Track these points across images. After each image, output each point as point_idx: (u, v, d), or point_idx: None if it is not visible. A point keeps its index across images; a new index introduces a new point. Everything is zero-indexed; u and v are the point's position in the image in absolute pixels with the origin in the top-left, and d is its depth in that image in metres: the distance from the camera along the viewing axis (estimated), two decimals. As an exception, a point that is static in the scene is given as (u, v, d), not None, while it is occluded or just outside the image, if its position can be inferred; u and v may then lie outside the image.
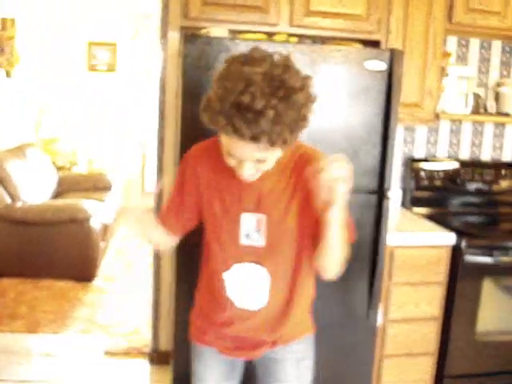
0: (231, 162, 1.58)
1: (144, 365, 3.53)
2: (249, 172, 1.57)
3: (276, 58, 1.48)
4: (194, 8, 2.75)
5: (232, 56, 1.51)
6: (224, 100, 1.41)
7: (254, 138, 1.42)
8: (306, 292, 1.89)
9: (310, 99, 1.50)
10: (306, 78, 1.49)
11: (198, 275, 2.38)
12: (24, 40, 5.96)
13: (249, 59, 1.46)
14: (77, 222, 4.75)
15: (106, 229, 5.27)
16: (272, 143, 1.44)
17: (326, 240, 1.59)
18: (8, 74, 5.62)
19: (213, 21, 2.79)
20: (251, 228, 1.71)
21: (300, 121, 1.48)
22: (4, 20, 5.40)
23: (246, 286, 1.76)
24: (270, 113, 1.39)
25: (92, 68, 7.15)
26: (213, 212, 1.75)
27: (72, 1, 6.73)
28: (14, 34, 5.65)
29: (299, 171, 1.67)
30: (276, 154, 1.56)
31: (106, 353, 3.66)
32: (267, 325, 1.83)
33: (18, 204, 4.77)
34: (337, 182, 1.44)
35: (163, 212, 1.90)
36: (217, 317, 1.85)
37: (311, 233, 1.70)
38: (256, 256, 1.73)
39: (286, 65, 1.47)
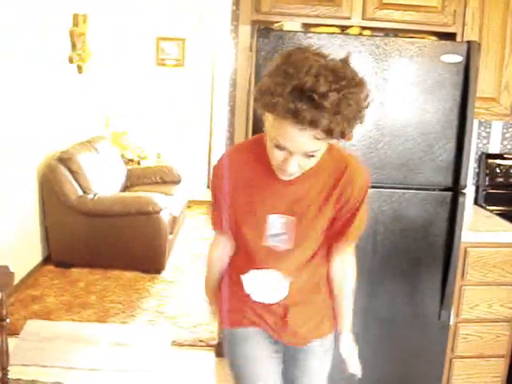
0: (278, 157, 1.54)
1: (210, 357, 3.56)
2: (294, 168, 1.54)
3: (332, 56, 1.49)
4: (265, 2, 2.75)
5: (287, 50, 1.50)
6: (286, 84, 1.40)
7: (313, 123, 1.39)
8: (323, 274, 1.90)
9: (367, 96, 1.50)
10: (363, 78, 1.50)
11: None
12: (95, 36, 6.10)
13: (308, 51, 1.48)
14: (146, 215, 4.83)
15: (174, 221, 5.34)
16: (330, 131, 1.42)
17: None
18: (80, 70, 5.76)
19: (284, 14, 2.78)
20: (277, 230, 1.71)
21: (358, 115, 1.47)
22: (76, 16, 5.53)
23: (263, 289, 1.80)
24: (332, 98, 1.37)
25: (161, 63, 7.27)
26: (240, 211, 1.76)
27: (142, -4, 6.86)
28: (86, 29, 5.78)
29: (343, 182, 1.69)
30: (323, 148, 1.54)
31: (173, 343, 3.71)
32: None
33: (90, 196, 4.89)
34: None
35: (220, 221, 1.86)
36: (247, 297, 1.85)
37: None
38: (278, 258, 1.76)
39: (346, 61, 1.48)
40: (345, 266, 1.91)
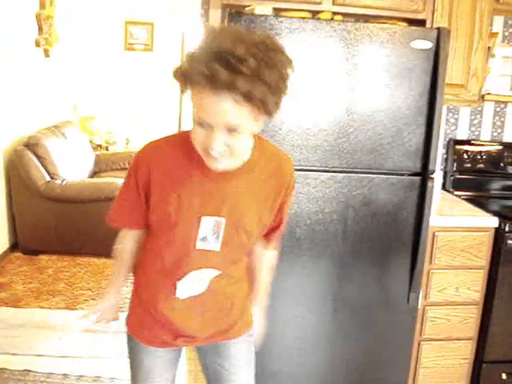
0: (200, 136, 1.43)
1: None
2: (218, 144, 1.41)
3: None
4: (236, -15, 2.73)
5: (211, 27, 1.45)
6: (203, 50, 1.34)
7: (230, 85, 1.31)
8: (246, 267, 1.83)
9: (290, 64, 1.42)
10: (284, 48, 1.42)
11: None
12: (62, 19, 5.99)
13: (235, 28, 1.46)
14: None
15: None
16: (249, 96, 1.33)
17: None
18: (46, 54, 5.66)
19: (255, -2, 2.76)
20: (209, 232, 1.60)
21: (280, 84, 1.39)
22: (43, -2, 5.43)
23: (195, 286, 1.68)
24: (252, 61, 1.31)
25: (129, 47, 7.18)
26: (166, 214, 1.59)
27: (110, -20, 6.76)
28: (53, 12, 5.68)
29: (277, 177, 1.65)
30: (247, 126, 1.43)
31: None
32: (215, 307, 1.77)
33: (58, 182, 4.82)
34: None
35: (121, 216, 1.76)
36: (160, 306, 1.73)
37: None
38: (209, 261, 1.65)
39: (268, 35, 1.41)
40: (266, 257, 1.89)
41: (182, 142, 1.58)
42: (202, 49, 1.36)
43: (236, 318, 1.81)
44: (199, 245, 1.60)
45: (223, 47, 1.31)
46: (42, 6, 5.42)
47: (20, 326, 3.67)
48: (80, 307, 3.98)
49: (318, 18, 2.71)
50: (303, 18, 2.43)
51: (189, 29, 6.62)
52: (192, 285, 1.67)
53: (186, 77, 1.37)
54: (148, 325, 1.78)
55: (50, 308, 3.95)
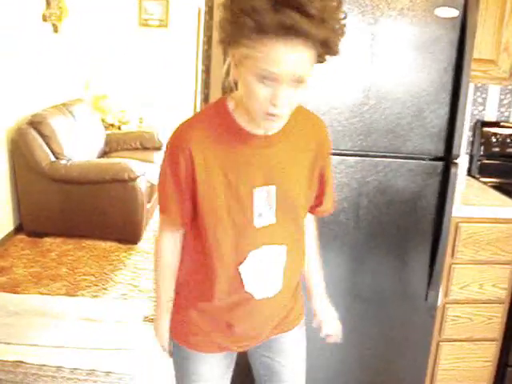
0: (264, 95, 1.32)
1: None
2: (286, 101, 1.32)
3: None
4: None
5: None
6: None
7: (308, 35, 1.24)
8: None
9: (343, 9, 1.34)
10: None
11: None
12: (73, -6, 5.80)
13: None
14: (122, 182, 4.60)
15: (152, 190, 5.10)
16: (321, 42, 1.27)
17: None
18: (55, 29, 5.46)
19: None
20: (263, 204, 1.49)
21: (341, 24, 1.33)
22: (51, -30, 5.22)
23: (265, 273, 1.54)
24: (319, 4, 1.23)
25: (144, 23, 6.97)
26: (216, 195, 1.47)
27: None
28: (63, -15, 5.48)
29: (314, 139, 1.58)
30: (309, 75, 1.34)
31: (145, 319, 3.52)
32: (278, 313, 1.67)
33: (63, 162, 4.64)
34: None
35: (174, 208, 1.56)
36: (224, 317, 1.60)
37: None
38: (270, 236, 1.52)
39: None
40: (312, 236, 1.78)
41: (214, 116, 1.48)
42: None
43: (289, 309, 1.71)
44: (257, 222, 1.50)
45: None
46: (50, -23, 5.22)
47: (16, 313, 3.52)
48: (81, 293, 3.81)
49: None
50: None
51: (203, 2, 6.39)
52: (260, 270, 1.53)
53: (254, 29, 1.24)
54: (203, 328, 1.63)
55: (49, 294, 3.79)
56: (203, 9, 3.13)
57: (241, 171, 1.47)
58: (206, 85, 3.02)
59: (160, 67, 7.00)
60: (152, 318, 3.52)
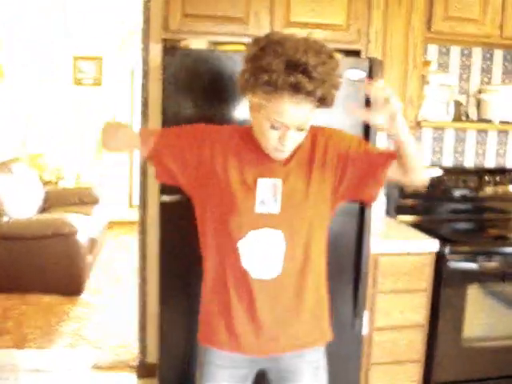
0: (274, 137, 1.65)
1: (131, 378, 3.51)
2: (291, 143, 1.67)
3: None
4: (174, 20, 2.75)
5: (263, 36, 1.65)
6: (279, 61, 1.54)
7: (311, 93, 1.56)
8: (319, 270, 1.87)
9: (339, 64, 1.66)
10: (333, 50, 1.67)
11: (183, 291, 2.36)
12: (8, 54, 5.94)
13: (280, 33, 1.65)
14: (62, 237, 4.73)
15: (93, 242, 5.25)
16: (322, 99, 1.61)
17: (404, 153, 1.66)
18: (-8, 90, 5.61)
19: (193, 33, 2.78)
20: (266, 194, 1.74)
21: (337, 82, 1.64)
22: (-13, 35, 5.39)
23: (261, 253, 1.73)
24: (321, 69, 1.56)
25: (78, 82, 7.15)
26: (227, 182, 1.75)
27: (57, 15, 6.74)
28: (-2, 48, 5.65)
29: (325, 143, 1.81)
30: (311, 121, 1.68)
31: (94, 367, 3.63)
32: (283, 306, 1.79)
33: (4, 219, 4.75)
34: (390, 95, 1.54)
35: (156, 136, 1.85)
36: (232, 309, 1.78)
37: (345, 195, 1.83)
38: (271, 223, 1.73)
39: (313, 39, 1.63)
40: None
41: (244, 133, 1.81)
42: (276, 58, 1.55)
43: (306, 321, 1.82)
44: (258, 208, 1.73)
45: (301, 59, 1.53)
46: (-15, 41, 5.38)
47: (-34, 368, 3.57)
48: (28, 345, 3.90)
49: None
50: (238, 51, 2.47)
51: (136, 62, 6.66)
52: (257, 250, 1.72)
53: (268, 85, 1.57)
54: (227, 326, 1.80)
55: (-3, 348, 3.86)
56: (136, 69, 3.33)
57: (252, 166, 1.76)
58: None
59: (95, 124, 7.14)
60: (100, 365, 3.64)
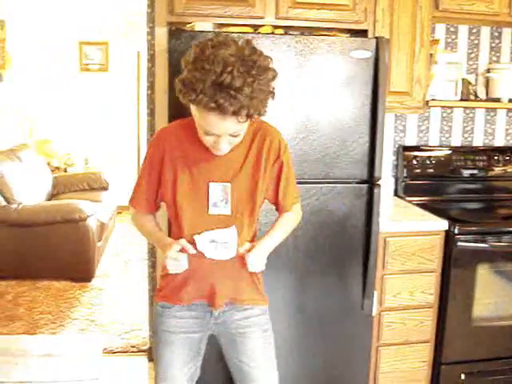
0: (208, 141, 1.76)
1: (143, 362, 3.53)
2: (225, 147, 1.76)
3: (240, 41, 1.67)
4: (179, 3, 2.74)
5: (199, 41, 1.67)
6: (205, 80, 1.57)
7: (235, 113, 1.61)
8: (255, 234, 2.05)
9: (275, 75, 1.70)
10: (269, 57, 1.69)
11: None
12: (15, 42, 5.94)
13: (217, 43, 1.63)
14: (72, 222, 4.75)
15: (102, 228, 5.27)
16: (249, 116, 1.66)
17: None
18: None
19: (199, 15, 2.77)
20: (218, 197, 1.87)
21: (269, 94, 1.70)
22: (-7, 22, 5.39)
23: (215, 245, 1.84)
24: (248, 89, 1.59)
25: (84, 68, 7.14)
26: (181, 184, 1.87)
27: (62, 1, 6.71)
28: (5, 36, 5.64)
29: (261, 143, 1.91)
30: (246, 127, 1.76)
31: (105, 351, 3.66)
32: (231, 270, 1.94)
33: (13, 206, 4.77)
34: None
35: (139, 198, 2.01)
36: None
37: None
38: (223, 222, 1.86)
39: (251, 47, 1.66)
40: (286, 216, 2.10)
41: (187, 126, 1.87)
42: (201, 76, 1.58)
43: (246, 286, 2.00)
44: (212, 210, 1.88)
45: (224, 81, 1.56)
46: (-8, 29, 5.38)
47: (-22, 354, 3.61)
48: (40, 331, 3.93)
49: (259, 33, 2.74)
50: (243, 33, 2.46)
51: (142, 47, 6.62)
52: (213, 244, 1.83)
53: (193, 102, 1.64)
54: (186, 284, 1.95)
55: (9, 334, 3.89)
56: (143, 53, 3.33)
57: (201, 168, 1.87)
58: (151, 127, 3.24)
59: (102, 110, 7.16)
60: (111, 350, 3.67)
